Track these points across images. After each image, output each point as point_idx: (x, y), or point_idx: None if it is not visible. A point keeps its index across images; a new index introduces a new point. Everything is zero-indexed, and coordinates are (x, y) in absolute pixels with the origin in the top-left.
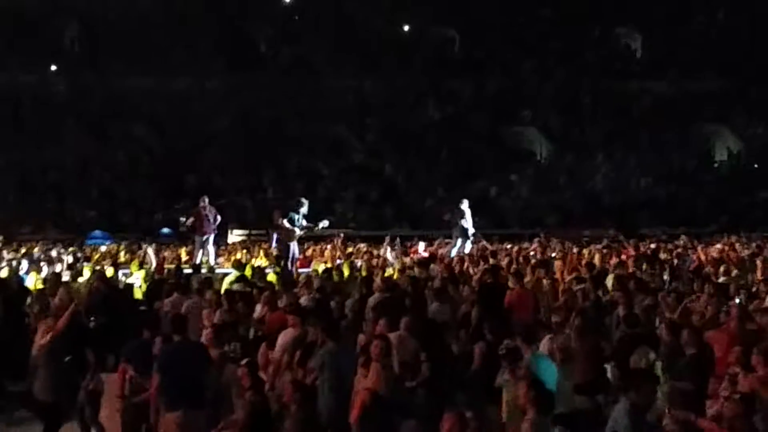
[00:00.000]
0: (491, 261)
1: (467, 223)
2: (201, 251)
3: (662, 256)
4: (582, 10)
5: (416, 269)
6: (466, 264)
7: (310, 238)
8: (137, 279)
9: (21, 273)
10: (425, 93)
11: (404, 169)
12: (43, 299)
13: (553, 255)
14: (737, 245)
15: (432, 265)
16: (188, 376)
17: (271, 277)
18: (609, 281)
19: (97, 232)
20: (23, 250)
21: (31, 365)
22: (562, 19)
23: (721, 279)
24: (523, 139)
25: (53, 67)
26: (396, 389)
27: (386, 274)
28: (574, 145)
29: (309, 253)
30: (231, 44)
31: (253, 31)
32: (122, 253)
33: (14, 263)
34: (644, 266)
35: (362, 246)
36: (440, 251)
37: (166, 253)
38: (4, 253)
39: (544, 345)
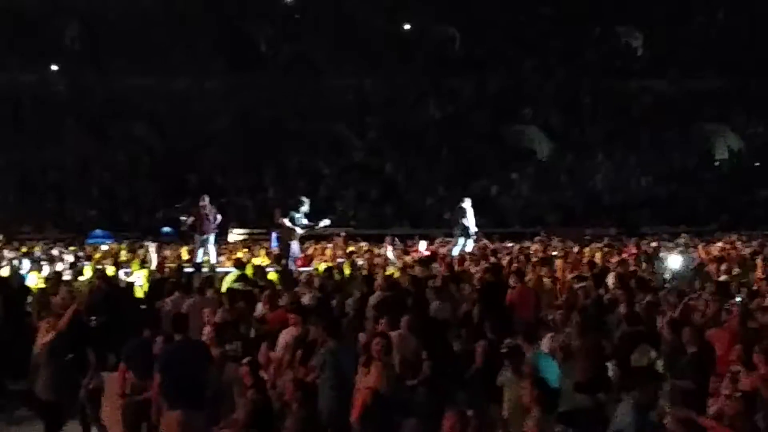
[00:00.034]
0: (492, 259)
1: (469, 221)
2: (201, 250)
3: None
4: (582, 9)
5: (417, 268)
6: (467, 262)
7: (311, 236)
8: (139, 278)
9: (22, 272)
10: (426, 91)
11: (405, 168)
12: (44, 298)
13: (554, 253)
14: (738, 244)
15: (433, 264)
16: (189, 376)
17: (272, 275)
18: (610, 279)
19: (98, 231)
20: (24, 249)
21: (32, 364)
22: (562, 18)
23: (722, 277)
24: (523, 138)
25: (53, 67)
26: (397, 388)
27: (387, 273)
28: (574, 143)
29: (310, 251)
30: (231, 43)
31: (254, 30)
32: (123, 252)
33: (15, 262)
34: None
35: (363, 244)
36: (441, 250)
37: (167, 252)
38: (6, 252)
39: (545, 343)
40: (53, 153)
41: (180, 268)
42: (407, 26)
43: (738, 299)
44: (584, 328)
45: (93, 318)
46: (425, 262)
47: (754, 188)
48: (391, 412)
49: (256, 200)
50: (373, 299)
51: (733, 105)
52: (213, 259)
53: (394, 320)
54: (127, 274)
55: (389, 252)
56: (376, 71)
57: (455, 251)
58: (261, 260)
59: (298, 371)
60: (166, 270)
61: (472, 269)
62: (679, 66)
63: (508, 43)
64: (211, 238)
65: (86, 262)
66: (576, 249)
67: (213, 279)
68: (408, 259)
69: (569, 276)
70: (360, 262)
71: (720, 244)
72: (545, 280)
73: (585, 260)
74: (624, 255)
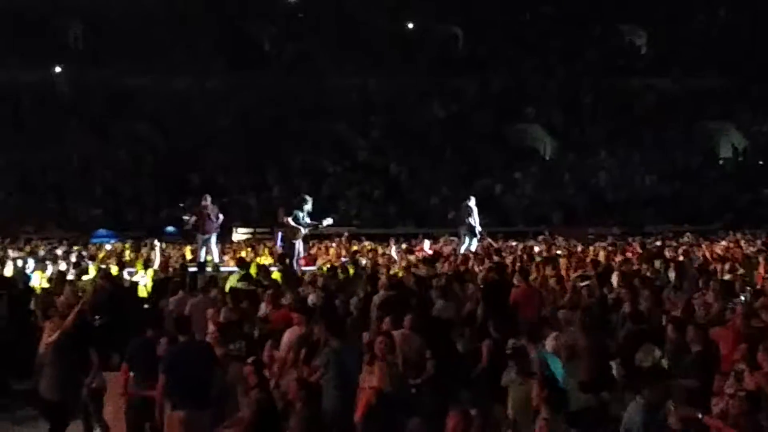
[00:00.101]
0: (496, 258)
1: (474, 220)
2: (203, 250)
3: (667, 253)
4: (584, 8)
5: (421, 267)
6: (471, 262)
7: (315, 236)
8: (144, 278)
9: (27, 272)
10: (429, 91)
11: (408, 167)
12: (48, 298)
13: (558, 252)
14: (742, 242)
15: (437, 263)
16: (193, 376)
17: (276, 275)
18: (614, 278)
19: (103, 231)
20: (28, 249)
21: (37, 364)
22: (564, 17)
23: (726, 276)
24: (527, 137)
25: (56, 67)
26: (401, 387)
27: (391, 272)
28: (578, 142)
29: (314, 251)
30: (234, 42)
31: (257, 29)
32: (127, 252)
33: (20, 262)
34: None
35: (367, 244)
36: (445, 249)
37: (171, 252)
38: (10, 251)
39: (549, 342)
40: (55, 152)
41: (184, 267)
42: (410, 26)
43: (742, 298)
44: (588, 327)
45: (96, 317)
46: (429, 261)
47: (759, 187)
48: (395, 411)
49: (259, 199)
50: (377, 299)
51: (737, 103)
52: (216, 259)
53: (398, 319)
54: (131, 274)
55: (393, 252)
56: (380, 71)
57: (463, 250)
58: (265, 259)
59: (302, 371)
60: (170, 269)
61: (476, 268)
62: (682, 64)
63: (510, 43)
64: (213, 237)
65: (90, 262)
66: (580, 248)
67: (217, 278)
68: (412, 258)
69: (573, 275)
70: (364, 261)
71: (724, 243)
72: (549, 279)
73: (589, 259)
74: (628, 254)
